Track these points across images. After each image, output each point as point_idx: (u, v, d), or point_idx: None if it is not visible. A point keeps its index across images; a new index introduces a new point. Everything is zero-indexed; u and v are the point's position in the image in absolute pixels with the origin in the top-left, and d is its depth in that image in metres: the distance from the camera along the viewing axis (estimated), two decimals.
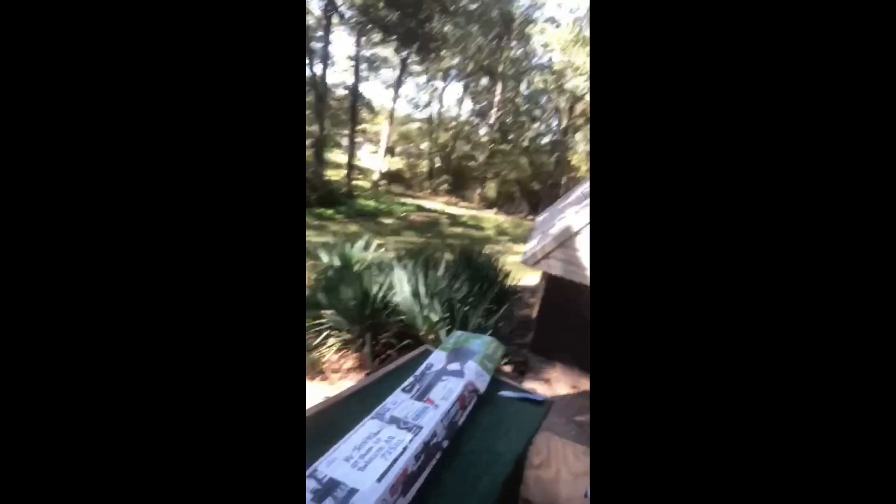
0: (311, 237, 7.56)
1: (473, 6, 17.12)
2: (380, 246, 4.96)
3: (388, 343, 3.12)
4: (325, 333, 3.24)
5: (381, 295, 3.19)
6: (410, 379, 0.97)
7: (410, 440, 0.72)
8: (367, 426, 0.76)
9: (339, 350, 3.23)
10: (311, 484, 0.61)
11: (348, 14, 13.37)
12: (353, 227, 9.32)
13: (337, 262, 3.99)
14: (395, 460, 0.66)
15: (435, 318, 2.98)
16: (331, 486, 0.61)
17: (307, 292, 3.49)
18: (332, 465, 0.65)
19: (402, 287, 3.14)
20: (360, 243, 4.20)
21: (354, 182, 15.66)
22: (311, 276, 3.77)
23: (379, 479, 0.62)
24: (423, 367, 1.03)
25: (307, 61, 13.31)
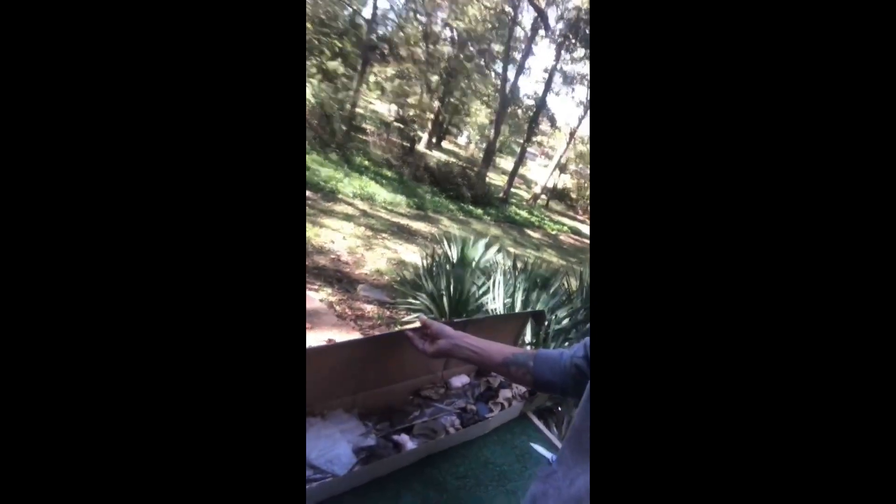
0: (450, 228, 7.86)
1: None
2: (508, 253, 4.85)
3: None
4: (415, 314, 3.34)
5: (475, 296, 3.13)
6: None
7: None
8: None
9: None
10: None
11: (555, 26, 13.38)
12: (494, 231, 9.31)
13: (455, 254, 4.06)
14: None
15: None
16: None
17: (420, 272, 3.62)
18: None
19: (497, 295, 3.02)
20: (482, 243, 4.18)
21: (514, 190, 15.74)
22: (428, 259, 3.91)
23: None
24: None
25: (503, 68, 13.83)
